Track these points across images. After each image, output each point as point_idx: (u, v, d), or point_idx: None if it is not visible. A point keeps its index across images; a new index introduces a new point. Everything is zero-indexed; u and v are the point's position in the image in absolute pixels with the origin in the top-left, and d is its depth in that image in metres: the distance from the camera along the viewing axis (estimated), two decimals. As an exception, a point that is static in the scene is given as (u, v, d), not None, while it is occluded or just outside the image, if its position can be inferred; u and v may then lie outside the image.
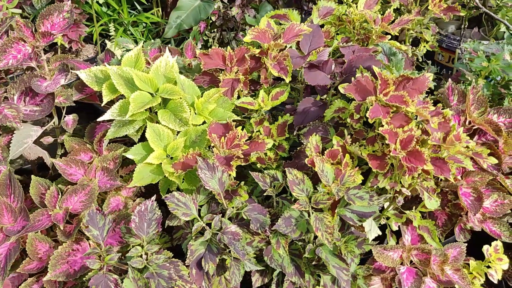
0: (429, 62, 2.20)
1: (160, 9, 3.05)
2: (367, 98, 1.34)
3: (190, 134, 1.49)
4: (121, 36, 2.87)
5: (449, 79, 1.67)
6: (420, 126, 1.42)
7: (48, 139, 1.69)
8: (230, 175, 1.36)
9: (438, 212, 1.59)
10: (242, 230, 1.35)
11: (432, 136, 1.31)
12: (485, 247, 1.63)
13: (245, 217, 1.31)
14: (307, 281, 1.44)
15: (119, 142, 1.67)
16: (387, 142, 1.29)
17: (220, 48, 1.61)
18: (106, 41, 2.54)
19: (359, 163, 1.45)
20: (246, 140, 1.47)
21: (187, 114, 1.50)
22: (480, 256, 1.59)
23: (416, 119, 1.41)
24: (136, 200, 1.53)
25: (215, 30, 2.61)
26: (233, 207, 1.33)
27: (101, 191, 1.46)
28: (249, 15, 2.46)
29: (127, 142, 1.72)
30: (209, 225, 1.29)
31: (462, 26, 2.37)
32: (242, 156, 1.40)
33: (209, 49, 1.60)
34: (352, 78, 1.40)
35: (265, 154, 1.63)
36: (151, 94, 1.54)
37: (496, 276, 1.58)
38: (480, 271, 1.62)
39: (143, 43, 1.82)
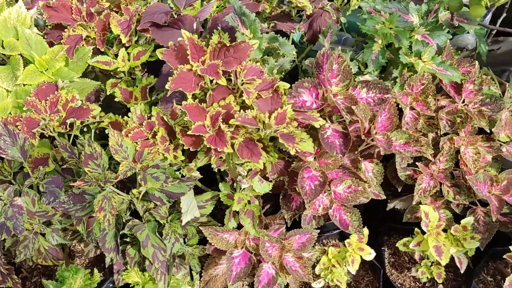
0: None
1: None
2: (178, 66, 1.15)
3: (20, 95, 1.37)
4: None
5: (326, 44, 1.41)
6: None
7: None
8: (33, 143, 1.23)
9: (294, 194, 1.40)
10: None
11: (240, 115, 1.10)
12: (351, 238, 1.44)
13: (42, 189, 1.20)
14: (131, 257, 1.34)
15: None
16: (186, 118, 1.11)
17: None
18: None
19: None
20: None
21: (20, 72, 1.38)
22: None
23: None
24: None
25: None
26: (36, 178, 1.23)
27: None
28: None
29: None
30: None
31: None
32: (57, 123, 1.27)
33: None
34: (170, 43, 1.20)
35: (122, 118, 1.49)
36: (-3, 49, 1.42)
37: (351, 268, 1.40)
38: (340, 260, 1.44)
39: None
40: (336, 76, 1.31)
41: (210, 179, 1.62)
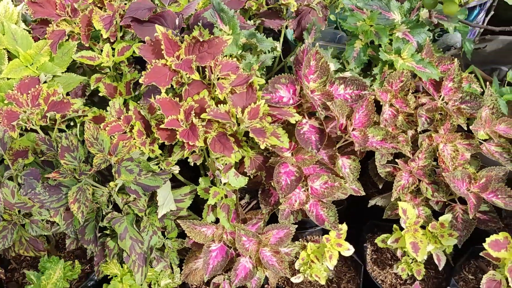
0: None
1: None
2: (152, 61, 1.16)
3: (4, 89, 1.38)
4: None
5: (306, 41, 1.41)
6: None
7: None
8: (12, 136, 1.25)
9: (273, 189, 1.41)
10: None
11: (212, 109, 1.11)
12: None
13: (20, 181, 1.22)
14: (110, 249, 1.36)
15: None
16: (160, 112, 1.12)
17: (53, -5, 1.45)
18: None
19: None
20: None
21: (4, 66, 1.40)
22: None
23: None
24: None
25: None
26: (15, 169, 1.24)
27: None
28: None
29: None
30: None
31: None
32: (39, 117, 1.29)
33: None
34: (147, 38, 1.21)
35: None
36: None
37: (329, 263, 1.40)
38: (319, 255, 1.44)
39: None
40: (314, 73, 1.32)
41: (197, 174, 1.63)
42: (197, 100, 1.15)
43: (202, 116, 1.10)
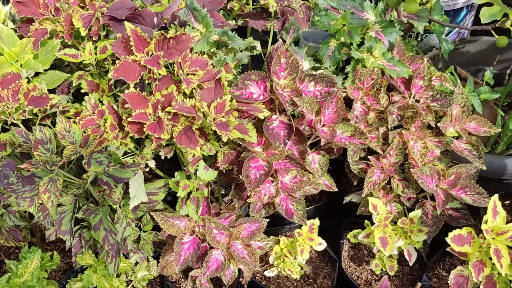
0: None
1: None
2: (121, 56, 1.19)
3: (-13, 84, 1.43)
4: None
5: (280, 39, 1.43)
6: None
7: None
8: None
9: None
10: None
11: (177, 103, 1.14)
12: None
13: (-3, 172, 1.26)
14: (86, 240, 1.39)
15: None
16: (127, 106, 1.15)
17: (37, -7, 1.50)
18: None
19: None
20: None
21: (-12, 63, 1.44)
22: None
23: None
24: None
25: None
26: (-7, 161, 1.28)
27: None
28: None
29: None
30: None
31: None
32: (20, 111, 1.33)
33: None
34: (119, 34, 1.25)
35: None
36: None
37: (300, 257, 1.41)
38: (291, 250, 1.46)
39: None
40: (284, 70, 1.33)
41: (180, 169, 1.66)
42: (165, 95, 1.17)
43: (167, 109, 1.13)
